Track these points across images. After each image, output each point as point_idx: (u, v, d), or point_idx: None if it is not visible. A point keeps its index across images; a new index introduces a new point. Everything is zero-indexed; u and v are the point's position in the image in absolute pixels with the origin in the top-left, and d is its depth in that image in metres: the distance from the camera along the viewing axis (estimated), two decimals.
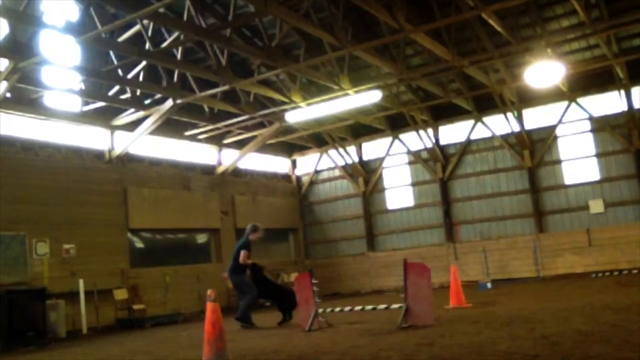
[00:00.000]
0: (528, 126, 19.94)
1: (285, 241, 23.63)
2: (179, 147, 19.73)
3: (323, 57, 15.01)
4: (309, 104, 17.36)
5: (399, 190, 22.46)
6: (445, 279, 15.34)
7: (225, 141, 20.87)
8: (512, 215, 20.20)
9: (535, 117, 19.99)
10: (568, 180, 19.43)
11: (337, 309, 10.43)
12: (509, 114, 19.28)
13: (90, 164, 16.61)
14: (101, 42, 13.75)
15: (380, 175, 22.74)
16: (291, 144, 23.45)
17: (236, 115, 18.40)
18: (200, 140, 19.99)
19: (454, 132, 21.41)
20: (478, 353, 5.78)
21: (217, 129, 19.34)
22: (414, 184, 22.16)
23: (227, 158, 21.17)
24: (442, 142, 21.57)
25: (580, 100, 19.18)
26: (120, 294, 15.72)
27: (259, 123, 20.00)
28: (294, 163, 24.63)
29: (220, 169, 20.88)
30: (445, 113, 20.95)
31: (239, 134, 20.49)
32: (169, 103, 16.24)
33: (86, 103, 16.53)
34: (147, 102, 16.88)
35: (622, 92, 18.28)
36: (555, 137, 19.67)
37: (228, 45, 14.21)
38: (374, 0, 12.50)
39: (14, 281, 13.57)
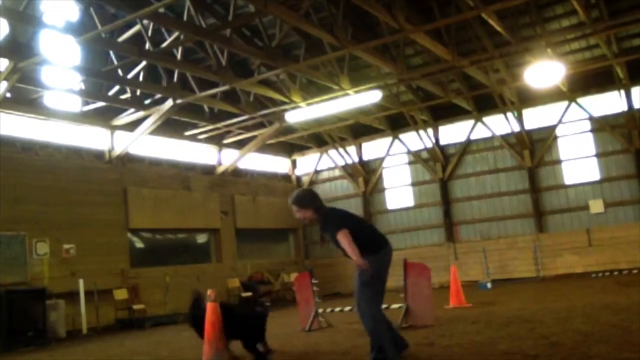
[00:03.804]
0: (528, 126, 19.93)
1: (285, 241, 23.62)
2: (179, 147, 19.72)
3: (323, 57, 15.01)
4: (309, 104, 17.36)
5: (399, 190, 22.44)
6: (445, 279, 15.33)
7: (225, 141, 20.86)
8: (512, 215, 20.19)
9: (535, 117, 19.97)
10: (568, 180, 19.42)
11: (337, 309, 10.43)
12: (509, 114, 19.27)
13: (90, 164, 16.61)
14: (101, 42, 13.76)
15: (380, 175, 22.73)
16: (291, 144, 23.44)
17: (236, 115, 18.40)
18: (200, 140, 19.99)
19: (454, 132, 21.39)
20: (478, 353, 5.78)
21: (217, 129, 19.33)
22: (414, 184, 22.15)
23: (227, 158, 21.17)
24: (442, 142, 21.56)
25: (580, 100, 19.16)
26: (120, 294, 15.71)
27: (259, 123, 19.99)
28: (294, 163, 24.63)
29: (220, 169, 20.87)
30: (445, 113, 20.94)
31: (239, 134, 20.48)
32: (169, 103, 16.23)
33: (86, 103, 16.53)
34: (147, 102, 16.88)
35: (622, 92, 18.26)
36: (555, 137, 19.66)
37: (228, 45, 14.21)
38: (374, 0, 12.50)
39: (14, 281, 13.57)
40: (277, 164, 24.02)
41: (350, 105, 17.29)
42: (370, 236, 5.76)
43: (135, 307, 15.70)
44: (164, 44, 14.49)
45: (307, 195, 5.91)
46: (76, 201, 15.67)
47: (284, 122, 18.76)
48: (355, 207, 23.01)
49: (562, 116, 19.47)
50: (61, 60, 13.76)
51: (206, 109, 18.82)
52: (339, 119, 20.23)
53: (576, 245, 18.71)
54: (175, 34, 14.52)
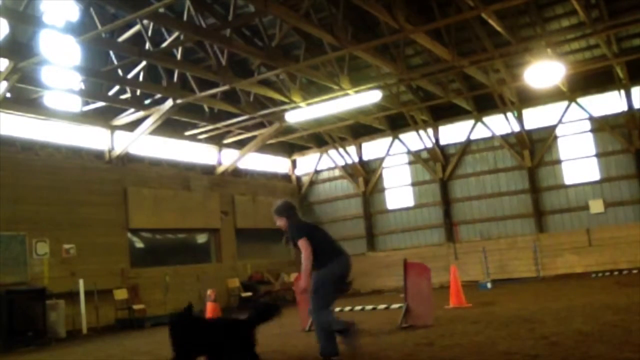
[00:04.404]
0: (528, 126, 19.93)
1: None
2: (179, 147, 19.72)
3: (323, 57, 15.01)
4: (309, 104, 17.35)
5: (399, 190, 22.45)
6: (445, 279, 15.32)
7: (225, 141, 20.86)
8: (512, 215, 20.20)
9: (535, 117, 19.98)
10: (568, 180, 19.43)
11: (338, 309, 10.42)
12: (509, 114, 19.27)
13: (90, 164, 16.60)
14: (101, 42, 13.76)
15: (380, 175, 22.73)
16: (291, 144, 23.44)
17: (236, 115, 18.40)
18: (200, 140, 19.99)
19: (454, 132, 21.40)
20: (478, 353, 5.79)
21: (217, 129, 19.33)
22: (414, 184, 22.15)
23: (227, 158, 21.17)
24: (442, 142, 21.56)
25: (580, 100, 19.17)
26: (120, 294, 15.71)
27: (259, 123, 19.98)
28: (294, 163, 24.62)
29: (220, 169, 20.87)
30: (445, 113, 20.94)
31: (239, 134, 20.48)
32: (169, 103, 16.24)
33: (86, 103, 16.53)
34: (147, 102, 16.88)
35: (622, 92, 18.27)
36: (555, 137, 19.67)
37: (228, 45, 14.21)
38: (374, 0, 12.50)
39: (14, 281, 13.57)
40: (277, 164, 24.02)
41: (350, 105, 17.28)
42: (325, 248, 6.34)
43: (135, 307, 15.69)
44: (164, 44, 14.49)
45: (283, 206, 6.79)
46: (76, 201, 15.67)
47: (284, 122, 18.76)
48: (355, 207, 23.05)
49: (562, 116, 19.47)
50: (61, 60, 13.75)
51: (206, 109, 18.82)
52: (339, 119, 20.23)
53: (576, 245, 18.71)
54: (175, 34, 14.53)
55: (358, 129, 22.44)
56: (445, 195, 21.31)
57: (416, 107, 19.82)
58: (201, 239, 20.36)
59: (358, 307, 10.37)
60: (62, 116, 16.04)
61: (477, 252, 19.47)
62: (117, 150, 17.24)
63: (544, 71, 14.98)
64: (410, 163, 22.27)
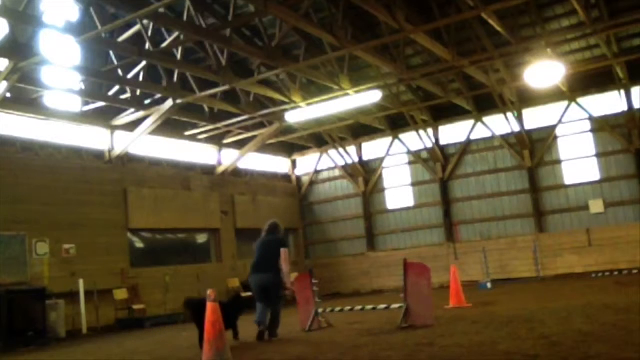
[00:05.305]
0: (528, 126, 19.93)
1: None
2: (179, 147, 19.73)
3: (323, 57, 15.01)
4: (309, 104, 17.36)
5: (399, 190, 22.45)
6: (445, 279, 15.33)
7: (225, 141, 20.86)
8: (512, 215, 20.20)
9: (535, 117, 19.98)
10: (568, 180, 19.43)
11: (337, 309, 10.43)
12: (509, 114, 19.27)
13: (90, 164, 16.61)
14: (101, 42, 13.76)
15: (380, 175, 22.73)
16: (291, 144, 23.44)
17: (236, 115, 18.40)
18: (200, 140, 19.99)
19: (454, 132, 21.40)
20: (478, 353, 5.78)
21: (217, 129, 19.33)
22: (414, 184, 22.15)
23: (227, 158, 21.17)
24: (442, 142, 21.56)
25: (580, 100, 19.17)
26: (120, 294, 15.73)
27: (259, 123, 19.99)
28: (294, 163, 24.63)
29: (220, 169, 20.87)
30: (445, 113, 20.94)
31: (239, 134, 20.48)
32: (169, 103, 16.24)
33: (86, 103, 16.54)
34: (147, 102, 16.89)
35: (622, 92, 18.28)
36: (555, 137, 19.67)
37: (228, 45, 14.21)
38: (374, 0, 12.50)
39: (14, 281, 13.57)
40: (277, 164, 24.02)
41: (350, 105, 17.28)
42: (253, 264, 8.90)
43: (135, 307, 15.70)
44: (164, 44, 14.48)
45: (267, 226, 9.16)
46: (76, 201, 15.68)
47: (284, 122, 18.77)
48: (355, 207, 23.06)
49: (562, 116, 19.47)
50: (61, 60, 13.75)
51: (206, 109, 18.82)
52: (339, 119, 20.23)
53: (576, 245, 18.72)
54: (175, 34, 14.52)
55: (358, 129, 22.44)
56: (445, 195, 21.31)
57: (416, 107, 19.82)
58: (201, 239, 20.37)
59: (358, 307, 10.37)
60: (62, 116, 16.05)
61: (477, 252, 19.48)
62: (117, 150, 17.24)
63: (544, 71, 14.99)
64: (410, 163, 22.27)
